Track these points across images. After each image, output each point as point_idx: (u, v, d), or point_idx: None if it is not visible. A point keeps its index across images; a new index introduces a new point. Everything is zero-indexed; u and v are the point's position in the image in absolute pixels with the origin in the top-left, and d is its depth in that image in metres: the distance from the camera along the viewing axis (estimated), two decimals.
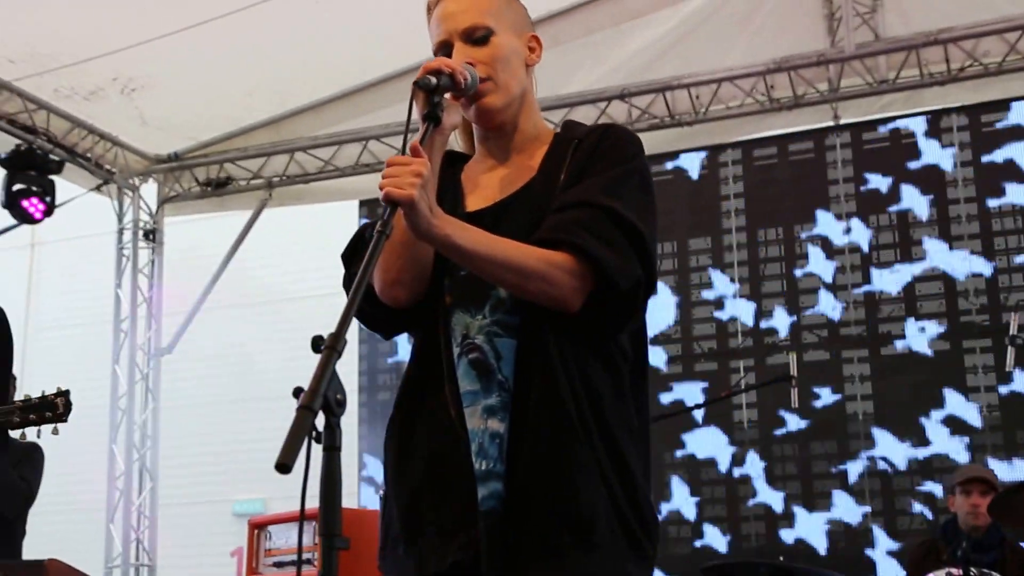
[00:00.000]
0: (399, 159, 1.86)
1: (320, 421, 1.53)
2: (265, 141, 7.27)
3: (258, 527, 4.65)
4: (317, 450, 1.54)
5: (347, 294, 2.06)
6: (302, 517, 1.53)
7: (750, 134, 6.67)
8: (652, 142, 6.55)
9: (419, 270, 2.01)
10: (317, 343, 1.57)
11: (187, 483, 9.95)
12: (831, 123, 6.50)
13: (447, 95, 1.98)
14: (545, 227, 1.98)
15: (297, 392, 1.52)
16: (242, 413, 10.72)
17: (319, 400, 1.50)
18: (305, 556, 4.31)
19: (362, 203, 7.40)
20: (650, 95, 6.58)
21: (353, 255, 2.13)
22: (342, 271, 2.16)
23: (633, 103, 6.61)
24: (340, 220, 9.27)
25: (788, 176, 6.63)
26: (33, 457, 5.21)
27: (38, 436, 3.87)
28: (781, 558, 5.80)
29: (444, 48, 2.10)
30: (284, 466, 1.43)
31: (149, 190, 7.59)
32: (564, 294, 1.94)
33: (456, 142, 2.23)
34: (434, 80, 1.94)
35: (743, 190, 6.66)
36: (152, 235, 7.55)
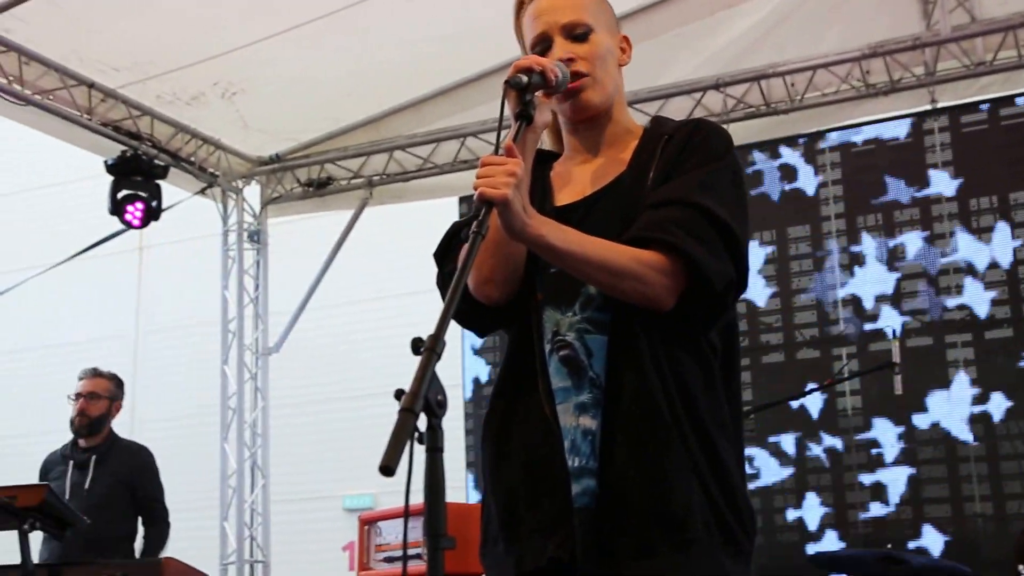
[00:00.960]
0: (493, 159, 1.87)
1: (422, 423, 1.54)
2: (364, 140, 7.34)
3: (368, 523, 4.70)
4: (419, 450, 1.54)
5: (441, 293, 2.08)
6: (406, 519, 1.54)
7: (846, 120, 6.57)
8: (747, 131, 6.49)
9: (512, 268, 2.02)
10: (417, 345, 1.58)
11: (298, 480, 10.13)
12: (928, 107, 6.35)
13: (538, 93, 1.98)
14: (637, 225, 1.97)
15: (398, 394, 1.54)
16: (350, 410, 10.87)
17: (420, 402, 1.51)
18: (415, 551, 4.35)
19: (461, 199, 7.43)
20: (745, 84, 6.51)
21: (445, 254, 2.16)
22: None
23: (728, 93, 6.54)
24: (440, 217, 9.34)
25: (886, 161, 6.49)
26: (152, 466, 5.36)
27: None
28: (889, 546, 5.67)
29: (542, 42, 2.12)
30: (388, 468, 1.45)
31: (252, 192, 7.72)
32: (657, 293, 1.93)
33: (543, 140, 2.23)
34: (525, 78, 1.94)
35: (841, 176, 6.55)
36: (256, 236, 7.68)
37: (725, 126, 6.09)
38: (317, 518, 10.93)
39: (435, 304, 2.00)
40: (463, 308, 2.04)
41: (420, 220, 10.02)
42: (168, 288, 11.48)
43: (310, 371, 10.72)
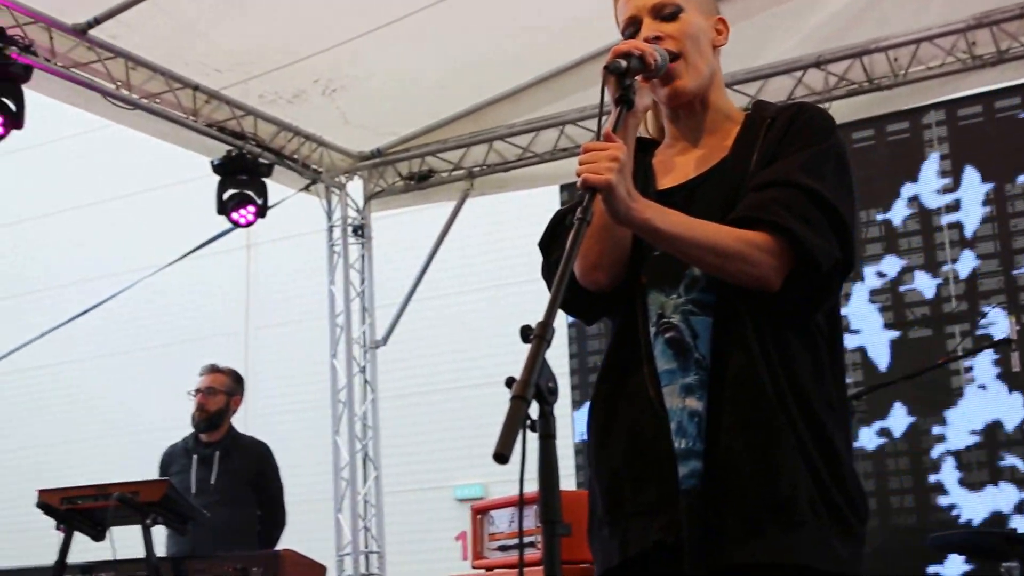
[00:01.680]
0: (595, 145, 1.87)
1: (534, 410, 1.54)
2: (464, 132, 7.37)
3: (480, 512, 4.73)
4: (531, 438, 1.54)
5: (547, 282, 2.09)
6: (520, 508, 1.54)
7: (951, 94, 6.38)
8: (851, 108, 6.35)
9: (618, 253, 2.02)
10: (526, 333, 1.59)
11: (409, 471, 10.23)
12: None
13: (638, 77, 1.97)
14: (742, 206, 1.97)
15: (509, 382, 1.55)
16: (458, 400, 10.95)
17: (531, 389, 1.52)
18: (528, 539, 4.36)
19: (562, 187, 7.42)
20: (847, 61, 6.36)
21: (551, 242, 2.16)
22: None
23: (829, 70, 6.41)
24: (542, 205, 9.35)
25: (995, 133, 6.30)
26: (273, 462, 5.47)
27: None
28: (1015, 528, 5.53)
29: (633, 24, 2.12)
30: (501, 456, 1.46)
31: (355, 187, 7.81)
32: (764, 274, 1.92)
33: (645, 128, 2.23)
34: (624, 63, 1.94)
35: (948, 151, 6.39)
36: (360, 230, 7.76)
37: (827, 104, 6.02)
38: (428, 508, 11.04)
39: (540, 293, 2.00)
40: (569, 295, 2.03)
41: (522, 209, 10.07)
42: (276, 284, 11.69)
43: (418, 363, 10.81)
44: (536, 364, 1.53)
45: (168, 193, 12.43)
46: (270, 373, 11.12)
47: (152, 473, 4.85)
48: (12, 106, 5.42)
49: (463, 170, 7.51)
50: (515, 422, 1.48)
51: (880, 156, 6.58)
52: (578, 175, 1.84)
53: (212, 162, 6.87)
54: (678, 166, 2.12)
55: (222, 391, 5.37)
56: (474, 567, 4.81)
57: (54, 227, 13.23)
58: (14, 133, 5.50)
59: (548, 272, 2.14)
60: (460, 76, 6.86)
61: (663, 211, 1.93)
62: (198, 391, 5.35)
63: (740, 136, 2.09)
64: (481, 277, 11.22)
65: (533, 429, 1.54)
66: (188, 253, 8.12)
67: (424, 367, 11.03)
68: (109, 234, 12.76)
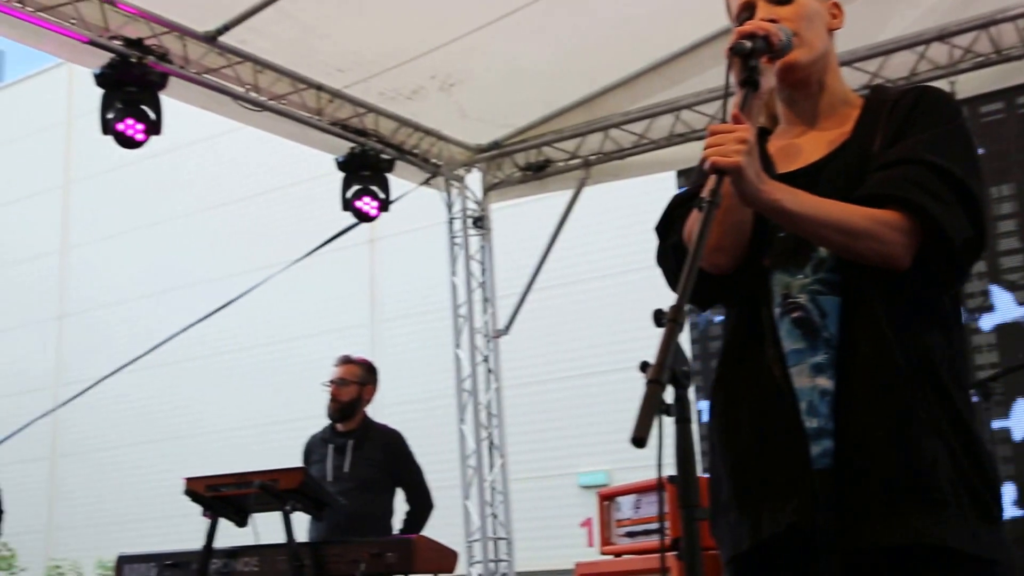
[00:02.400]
0: (722, 127, 1.86)
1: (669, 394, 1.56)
2: (579, 121, 7.40)
3: (607, 499, 4.77)
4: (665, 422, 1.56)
5: (661, 267, 2.10)
6: (660, 492, 1.57)
7: None
8: (978, 81, 6.17)
9: (740, 235, 2.01)
10: (659, 317, 1.60)
11: (533, 458, 10.33)
12: None
13: (763, 58, 1.96)
14: (870, 184, 1.95)
15: (643, 366, 1.56)
16: (580, 388, 11.02)
17: (667, 373, 1.54)
18: (655, 526, 4.39)
19: (679, 173, 7.40)
20: (972, 32, 6.18)
21: (668, 227, 2.15)
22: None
23: (954, 43, 6.23)
24: (659, 192, 9.32)
25: None
26: (406, 449, 5.58)
27: None
28: None
29: (747, 9, 2.10)
30: (639, 440, 1.47)
31: (474, 179, 7.91)
32: (894, 252, 1.90)
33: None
34: (749, 44, 1.93)
35: None
36: (480, 222, 7.86)
37: (953, 78, 5.85)
38: (553, 495, 11.12)
39: (658, 280, 2.03)
40: None
41: (639, 196, 10.06)
42: (399, 277, 11.89)
43: (539, 351, 10.90)
44: (670, 348, 1.55)
45: (293, 192, 12.74)
46: (395, 364, 11.32)
47: (292, 461, 5.00)
48: (151, 113, 5.65)
49: (579, 159, 7.54)
50: (651, 406, 1.49)
51: (1010, 130, 6.39)
52: (705, 158, 1.83)
53: (336, 159, 7.04)
54: (797, 151, 2.11)
55: (355, 381, 5.50)
56: (602, 553, 4.85)
57: (188, 228, 13.67)
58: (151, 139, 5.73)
59: (664, 256, 2.14)
60: (574, 65, 6.89)
61: (792, 192, 1.92)
62: (332, 382, 5.49)
63: (861, 119, 2.07)
64: (599, 265, 11.24)
65: (668, 413, 1.55)
66: (315, 249, 8.30)
67: (546, 355, 11.11)
68: (239, 233, 13.13)
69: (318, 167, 11.91)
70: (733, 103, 1.93)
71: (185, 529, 8.52)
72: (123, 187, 14.16)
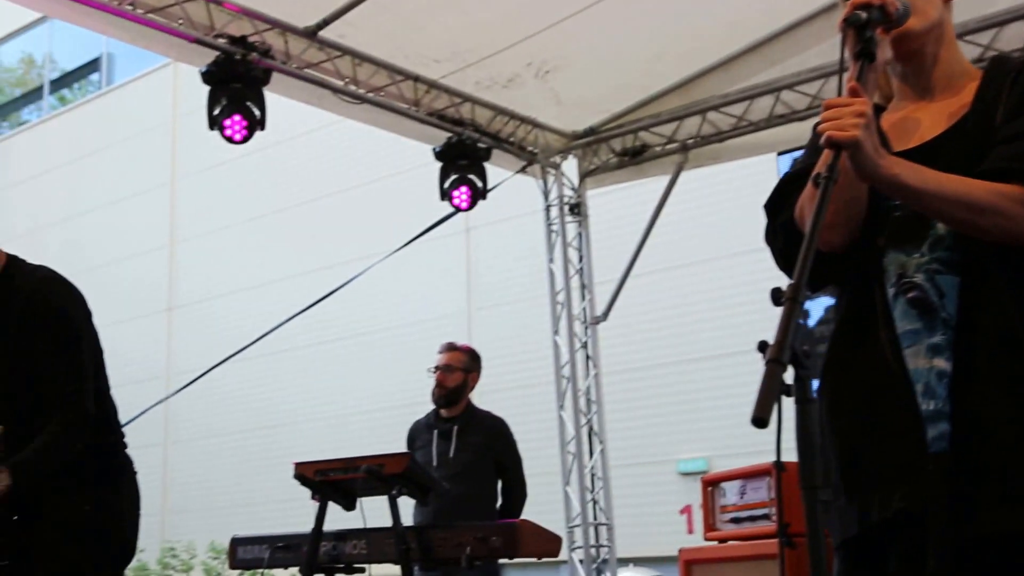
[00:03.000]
0: (838, 100, 1.83)
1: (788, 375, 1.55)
2: (676, 105, 7.34)
3: (711, 484, 4.75)
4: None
5: (771, 247, 2.07)
6: (779, 475, 1.56)
7: None
8: None
9: (854, 212, 1.96)
10: (777, 295, 1.59)
11: (631, 445, 10.31)
12: None
13: (878, 29, 1.91)
14: (992, 158, 1.88)
15: (762, 346, 1.55)
16: (679, 374, 10.97)
17: (787, 353, 1.51)
18: (761, 512, 4.36)
19: (779, 155, 7.31)
20: None
21: (778, 205, 2.11)
22: (764, 226, 2.15)
23: None
24: (758, 175, 9.23)
25: None
26: (509, 436, 5.61)
27: None
28: None
29: None
30: (761, 420, 1.46)
31: (570, 166, 7.90)
32: (1020, 227, 1.84)
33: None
34: (864, 15, 1.89)
35: None
36: (577, 208, 7.86)
37: None
38: (653, 482, 11.09)
39: (756, 264, 2.01)
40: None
41: (737, 180, 9.96)
42: (495, 265, 11.94)
43: (638, 338, 10.87)
44: (790, 327, 1.52)
45: (391, 183, 12.88)
46: (493, 352, 11.37)
47: (394, 447, 5.07)
48: (255, 109, 5.77)
49: (677, 143, 7.49)
50: (772, 386, 1.48)
51: None
52: (821, 132, 1.80)
53: (433, 150, 7.10)
54: (914, 125, 2.05)
55: (460, 368, 5.55)
56: (706, 539, 4.83)
57: (290, 220, 13.92)
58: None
59: (773, 235, 2.10)
60: (670, 49, 6.84)
61: (912, 167, 1.87)
62: (437, 368, 5.53)
63: (981, 90, 2.00)
64: (697, 251, 11.16)
65: (788, 394, 1.53)
66: (413, 239, 8.38)
67: (644, 342, 11.07)
68: (339, 225, 13.33)
69: (416, 158, 12.04)
70: (848, 76, 1.89)
71: (292, 514, 8.71)
72: (227, 182, 14.48)
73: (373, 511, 4.55)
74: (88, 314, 3.20)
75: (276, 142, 12.81)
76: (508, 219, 11.35)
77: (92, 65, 18.82)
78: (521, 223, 11.21)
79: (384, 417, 11.69)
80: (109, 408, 3.28)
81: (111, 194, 16.40)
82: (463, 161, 7.07)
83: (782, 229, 2.07)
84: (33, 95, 20.05)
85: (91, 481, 3.16)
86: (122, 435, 3.36)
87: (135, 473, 3.34)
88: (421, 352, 11.80)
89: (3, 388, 3.13)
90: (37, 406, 3.07)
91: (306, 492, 4.61)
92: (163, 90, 16.35)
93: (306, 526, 4.58)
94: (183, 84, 15.69)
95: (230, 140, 5.83)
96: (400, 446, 5.58)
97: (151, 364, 14.00)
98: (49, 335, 3.06)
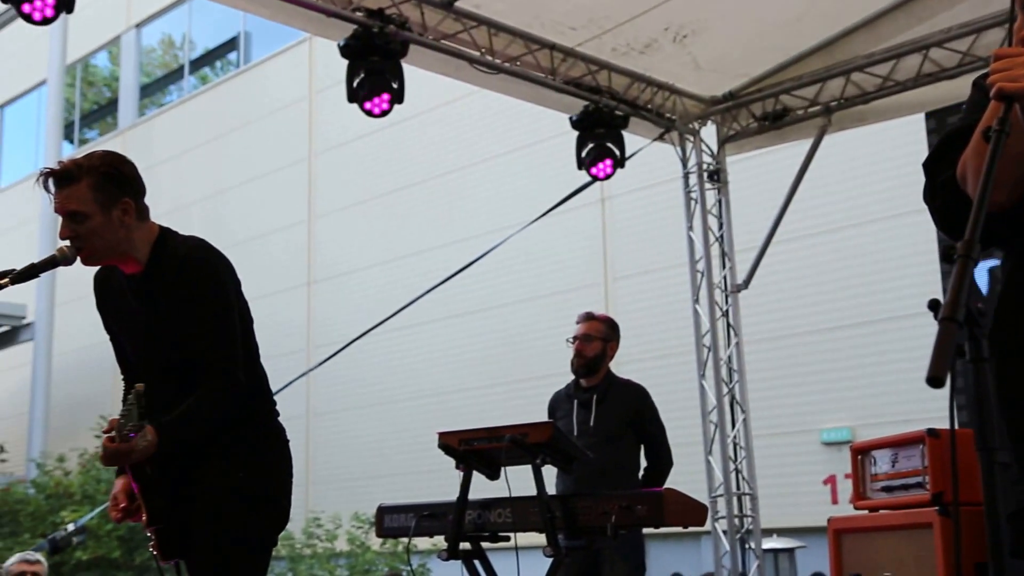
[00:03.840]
0: (1009, 50, 1.76)
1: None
2: (819, 66, 7.16)
3: (861, 452, 4.63)
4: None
5: (929, 206, 1.99)
6: (953, 438, 1.51)
7: None
8: None
9: (1021, 169, 1.87)
10: (949, 253, 1.53)
11: (774, 414, 10.15)
12: None
13: None
14: None
15: (934, 305, 1.50)
16: (822, 342, 10.74)
17: (962, 311, 1.46)
18: (914, 480, 4.23)
19: (928, 115, 7.06)
20: None
21: (938, 163, 2.03)
22: (908, 190, 2.08)
23: None
24: (903, 136, 8.93)
25: None
26: (651, 404, 5.56)
27: None
28: None
29: None
30: (936, 380, 1.40)
31: (709, 132, 7.78)
32: None
33: None
34: None
35: None
36: (716, 175, 7.74)
37: None
38: (796, 452, 10.91)
39: (902, 229, 1.93)
40: (958, 219, 1.94)
41: (881, 143, 9.66)
42: (632, 235, 11.86)
43: (779, 306, 10.68)
44: (964, 284, 1.47)
45: (527, 154, 12.89)
46: (630, 322, 11.32)
47: (536, 418, 5.07)
48: (394, 82, 5.82)
49: (819, 106, 7.31)
50: (947, 345, 1.42)
51: None
52: (991, 84, 1.72)
53: (571, 119, 7.07)
54: None
55: (599, 337, 5.51)
56: (856, 508, 4.71)
57: (426, 193, 14.06)
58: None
59: (932, 194, 2.03)
60: (812, 9, 6.67)
61: None
62: (575, 338, 5.51)
63: None
64: (839, 216, 10.89)
65: (961, 353, 1.49)
66: (550, 210, 8.38)
67: (786, 310, 10.87)
68: (475, 197, 13.41)
69: (552, 128, 12.02)
70: (1017, 26, 1.81)
71: (431, 485, 8.84)
72: (364, 156, 14.70)
73: (516, 480, 4.55)
74: (238, 283, 3.24)
75: (411, 115, 12.94)
76: (644, 188, 11.27)
77: (230, 44, 19.30)
78: (657, 192, 11.11)
79: (522, 389, 11.75)
80: (261, 376, 3.31)
81: (251, 171, 16.81)
82: (600, 129, 7.02)
83: (942, 188, 2.00)
84: (175, 76, 20.68)
85: (246, 448, 3.18)
86: (274, 403, 3.38)
87: (287, 441, 3.36)
88: (557, 323, 11.83)
89: (156, 355, 3.17)
90: (189, 373, 3.10)
91: (445, 464, 4.64)
92: (299, 67, 16.67)
93: (446, 497, 4.61)
94: (319, 60, 15.96)
95: (369, 114, 5.90)
96: (540, 417, 5.58)
97: (293, 337, 14.35)
98: (201, 302, 3.09)
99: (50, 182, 3.06)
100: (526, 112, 12.80)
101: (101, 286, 3.32)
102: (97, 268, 3.32)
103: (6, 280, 3.06)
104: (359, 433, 13.99)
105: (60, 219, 3.10)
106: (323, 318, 15.00)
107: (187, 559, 3.18)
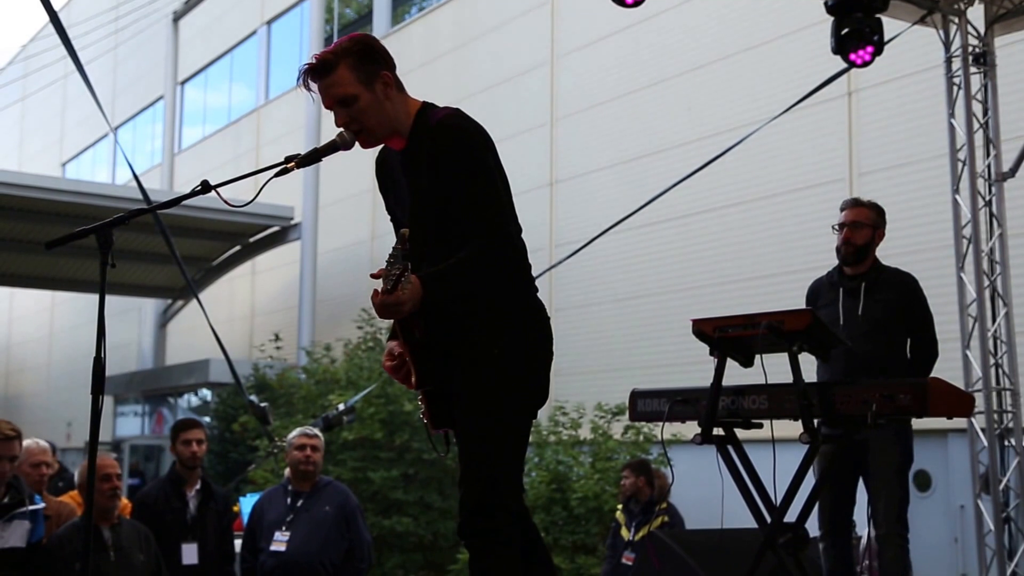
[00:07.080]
0: None
1: None
2: None
3: None
4: None
5: None
6: None
7: None
8: None
9: None
10: None
11: None
12: None
13: None
14: None
15: None
16: None
17: None
18: None
19: None
20: None
21: None
22: None
23: None
24: None
25: None
26: (919, 293, 5.37)
27: None
28: None
29: None
30: None
31: (975, 13, 7.34)
32: None
33: None
34: None
35: None
36: (983, 59, 7.31)
37: None
38: None
39: None
40: None
41: None
42: (881, 128, 11.39)
43: None
44: None
45: (771, 49, 12.51)
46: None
47: (794, 305, 4.98)
48: None
49: None
50: None
51: None
52: None
53: (826, 3, 6.80)
54: None
55: (868, 224, 5.35)
56: None
57: (665, 93, 13.88)
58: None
59: None
60: None
61: None
62: (843, 226, 5.36)
63: None
64: None
65: None
66: (793, 105, 8.14)
67: None
68: (715, 94, 13.15)
69: (798, 19, 11.61)
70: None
71: (671, 379, 8.90)
72: (606, 58, 14.61)
73: (771, 368, 4.50)
74: (496, 153, 3.31)
75: (656, 12, 12.75)
76: (893, 80, 10.77)
77: None
78: (907, 83, 10.61)
79: (764, 284, 11.58)
80: (522, 249, 3.34)
81: (496, 76, 16.99)
82: (857, 13, 6.72)
83: None
84: None
85: (508, 321, 3.22)
86: (532, 279, 3.41)
87: (548, 318, 3.41)
88: (800, 220, 11.56)
89: (425, 218, 3.21)
90: (458, 235, 3.15)
91: (684, 358, 4.65)
92: None
93: (706, 381, 4.60)
94: None
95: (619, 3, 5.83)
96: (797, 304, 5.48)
97: (536, 236, 14.55)
98: (467, 163, 3.15)
99: (309, 79, 3.20)
100: (773, 2, 12.39)
101: (380, 169, 3.47)
102: (377, 153, 3.46)
103: (292, 163, 3.24)
104: (600, 328, 14.15)
105: (331, 115, 3.24)
106: (565, 217, 15.16)
107: (455, 429, 3.27)
